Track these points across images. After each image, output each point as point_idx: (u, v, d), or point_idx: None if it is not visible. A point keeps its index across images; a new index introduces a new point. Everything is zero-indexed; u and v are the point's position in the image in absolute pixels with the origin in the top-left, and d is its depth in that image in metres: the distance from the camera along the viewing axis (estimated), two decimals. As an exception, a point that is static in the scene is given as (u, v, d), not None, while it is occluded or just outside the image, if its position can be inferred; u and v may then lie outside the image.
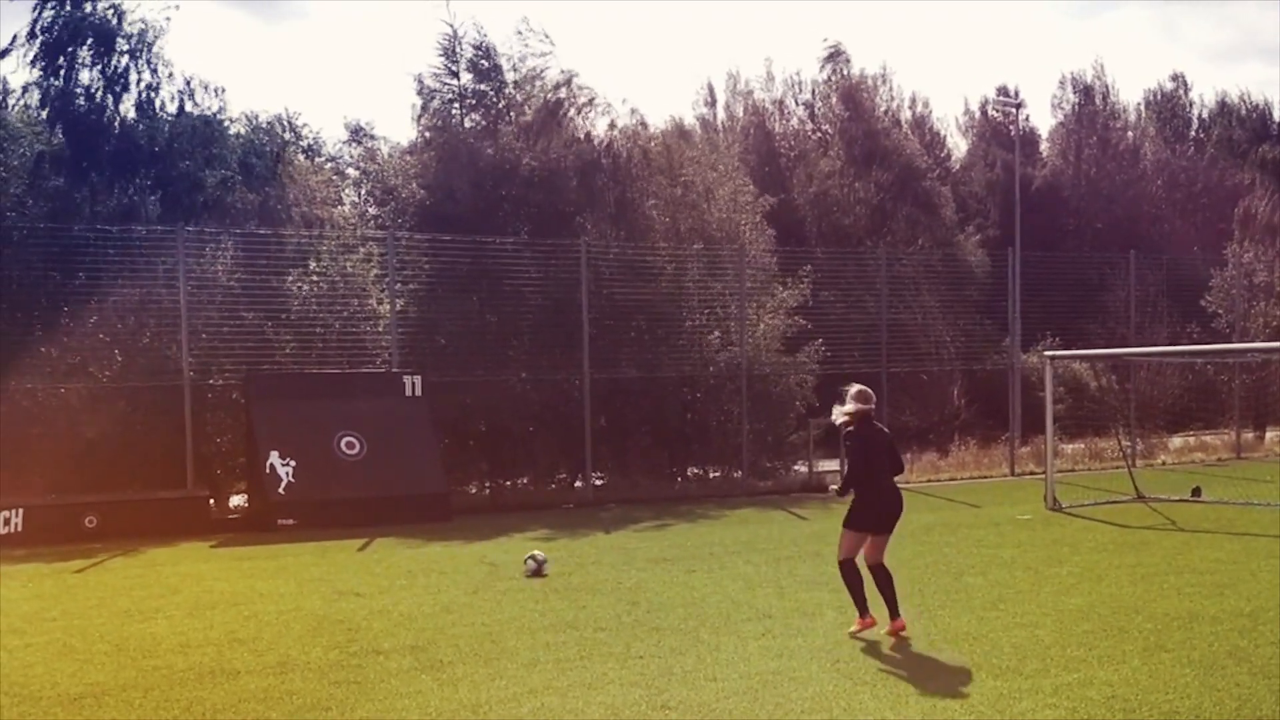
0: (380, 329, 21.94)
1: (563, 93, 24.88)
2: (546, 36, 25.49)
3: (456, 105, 25.04)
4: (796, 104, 44.86)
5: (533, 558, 13.16)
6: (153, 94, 25.43)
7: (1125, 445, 25.09)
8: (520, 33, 24.81)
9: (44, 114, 24.26)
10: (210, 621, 11.14)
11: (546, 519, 19.31)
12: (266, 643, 10.13)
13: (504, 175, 23.90)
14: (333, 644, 10.00)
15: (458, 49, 24.72)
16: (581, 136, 24.90)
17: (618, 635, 10.10)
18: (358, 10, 79.59)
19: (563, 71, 25.03)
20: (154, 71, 25.36)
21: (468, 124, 24.80)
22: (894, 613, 9.72)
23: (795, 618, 10.59)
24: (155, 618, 11.41)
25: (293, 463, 18.93)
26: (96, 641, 10.35)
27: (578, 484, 23.14)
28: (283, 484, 18.77)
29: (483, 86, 25.08)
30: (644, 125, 27.76)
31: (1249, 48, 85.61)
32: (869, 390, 9.99)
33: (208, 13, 73.63)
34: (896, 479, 10.10)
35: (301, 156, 32.85)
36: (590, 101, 25.15)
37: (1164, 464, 26.81)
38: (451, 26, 24.69)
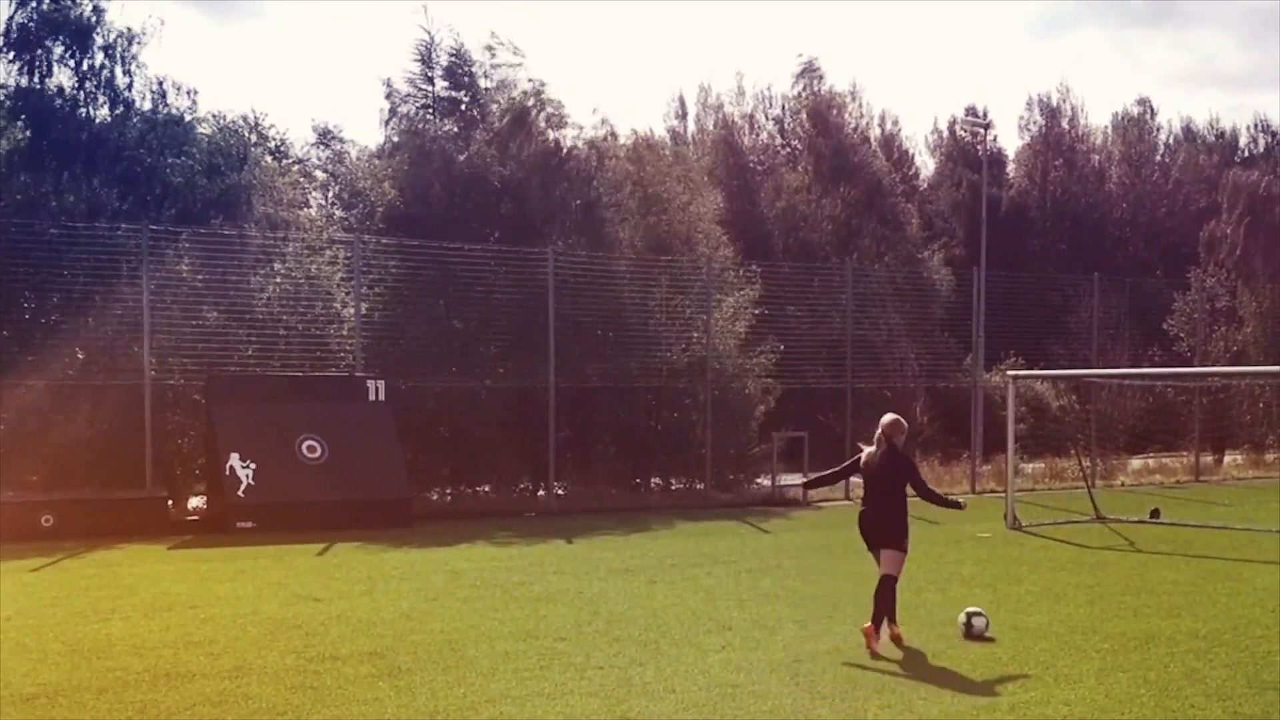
0: (345, 332, 21.82)
1: (531, 102, 24.88)
2: (516, 49, 25.61)
3: (430, 111, 24.99)
4: (767, 119, 45.07)
5: (981, 615, 10.46)
6: (125, 92, 25.34)
7: (1085, 466, 25.26)
8: (490, 48, 24.86)
9: (13, 108, 24.03)
10: (166, 623, 11.04)
11: (509, 527, 19.24)
12: (223, 646, 10.05)
13: (474, 182, 23.87)
14: (290, 649, 9.93)
15: (433, 55, 24.69)
16: (550, 146, 24.90)
17: (578, 645, 10.07)
18: (322, 12, 79.37)
19: (530, 82, 25.09)
20: (128, 71, 25.28)
21: (440, 130, 24.74)
22: (875, 620, 9.96)
23: (755, 630, 10.61)
24: (111, 619, 11.30)
25: (253, 465, 18.79)
26: (51, 641, 10.24)
27: (541, 492, 23.10)
28: (243, 486, 18.62)
29: (457, 94, 25.05)
30: (613, 135, 27.85)
31: (1205, 74, 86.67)
32: (896, 421, 10.37)
33: (172, 13, 73.29)
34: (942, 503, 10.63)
35: (269, 158, 32.68)
36: (559, 112, 25.20)
37: (1123, 485, 27.04)
38: (429, 33, 24.70)
